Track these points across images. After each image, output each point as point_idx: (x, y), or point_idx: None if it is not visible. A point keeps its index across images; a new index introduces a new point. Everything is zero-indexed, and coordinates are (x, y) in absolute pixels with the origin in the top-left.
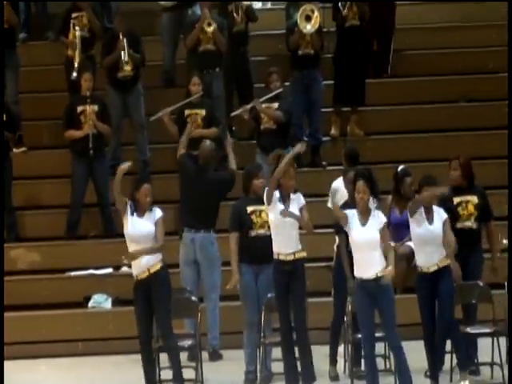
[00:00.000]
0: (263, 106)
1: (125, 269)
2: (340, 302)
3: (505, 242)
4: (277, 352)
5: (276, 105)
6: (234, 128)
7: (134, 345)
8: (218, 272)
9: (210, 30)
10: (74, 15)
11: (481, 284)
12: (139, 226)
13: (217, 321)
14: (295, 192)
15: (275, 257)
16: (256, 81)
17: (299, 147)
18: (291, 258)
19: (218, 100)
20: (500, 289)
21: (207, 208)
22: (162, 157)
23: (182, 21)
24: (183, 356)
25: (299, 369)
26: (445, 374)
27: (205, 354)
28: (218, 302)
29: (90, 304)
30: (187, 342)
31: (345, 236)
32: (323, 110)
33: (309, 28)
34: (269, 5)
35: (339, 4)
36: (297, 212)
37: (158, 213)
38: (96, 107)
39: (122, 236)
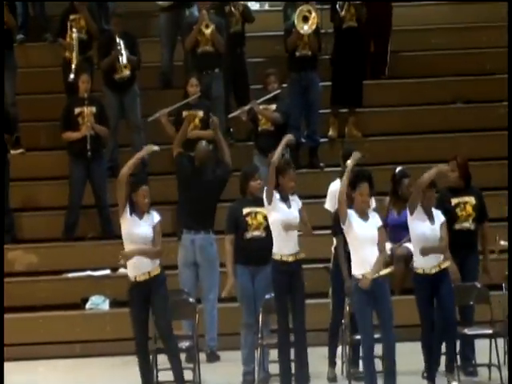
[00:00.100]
0: (261, 107)
1: (122, 270)
2: (338, 303)
3: (502, 243)
4: (274, 353)
5: (274, 106)
6: (231, 129)
7: (131, 346)
8: (217, 273)
9: (207, 31)
10: (71, 17)
11: (478, 285)
12: (139, 227)
13: (214, 322)
14: (292, 193)
15: (276, 257)
16: (254, 82)
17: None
18: (293, 258)
19: (217, 101)
20: (497, 290)
21: (206, 209)
22: (159, 158)
23: (179, 22)
24: (181, 357)
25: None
26: (441, 375)
27: (202, 356)
28: (215, 303)
29: (88, 306)
30: (185, 344)
31: (342, 237)
32: (321, 111)
33: (306, 29)
34: (266, 6)
35: (337, 5)
36: (297, 213)
37: (156, 217)
38: (94, 109)
39: (120, 238)
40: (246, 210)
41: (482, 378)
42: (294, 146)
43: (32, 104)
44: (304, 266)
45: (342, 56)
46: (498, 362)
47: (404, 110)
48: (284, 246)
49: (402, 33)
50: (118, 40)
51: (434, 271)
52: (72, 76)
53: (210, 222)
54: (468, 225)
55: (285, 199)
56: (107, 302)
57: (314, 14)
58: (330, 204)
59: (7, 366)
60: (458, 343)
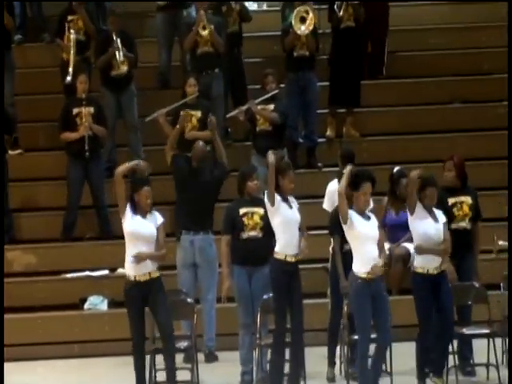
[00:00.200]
0: (259, 107)
1: (121, 270)
2: (337, 303)
3: (500, 243)
4: None
5: (272, 106)
6: (229, 129)
7: (130, 346)
8: (216, 274)
9: (205, 33)
10: (69, 18)
11: (476, 285)
12: (144, 227)
13: (213, 322)
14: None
15: (280, 257)
16: (252, 82)
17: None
18: (294, 259)
19: (216, 101)
20: (496, 289)
21: (203, 210)
22: (157, 158)
23: (176, 22)
24: (179, 357)
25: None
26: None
27: (201, 356)
28: (214, 303)
29: (86, 306)
30: (183, 344)
31: (339, 237)
32: (319, 111)
33: (303, 29)
34: (264, 6)
35: (335, 5)
36: (298, 213)
37: (159, 218)
38: (92, 109)
39: (118, 238)
40: (242, 211)
41: (480, 378)
42: (291, 146)
43: (30, 104)
44: (302, 266)
45: (340, 56)
46: (496, 361)
47: (402, 109)
48: (288, 246)
49: (400, 33)
50: (114, 37)
51: (435, 272)
52: (68, 78)
53: (208, 222)
54: (464, 224)
55: (285, 200)
56: (106, 302)
57: (311, 15)
58: (328, 204)
59: (5, 366)
60: (455, 343)
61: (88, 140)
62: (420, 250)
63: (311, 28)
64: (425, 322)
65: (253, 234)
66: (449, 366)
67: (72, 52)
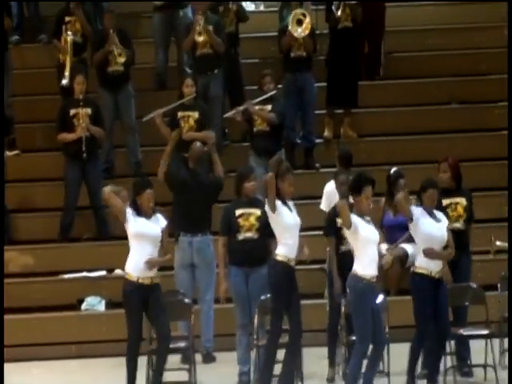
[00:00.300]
0: (256, 107)
1: (118, 271)
2: (336, 304)
3: (498, 243)
4: None
5: (269, 107)
6: (226, 130)
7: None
8: (214, 274)
9: (200, 39)
10: (66, 19)
11: (474, 286)
12: (150, 228)
13: (211, 323)
14: None
15: (283, 259)
16: (249, 83)
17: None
18: (295, 263)
19: (214, 101)
20: (493, 290)
21: (202, 211)
22: (154, 159)
23: (173, 22)
24: (177, 358)
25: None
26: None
27: (198, 356)
28: (212, 303)
29: (83, 306)
30: (181, 344)
31: (335, 239)
32: (316, 112)
33: (299, 32)
34: (262, 7)
35: (332, 6)
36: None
37: (162, 220)
38: (89, 110)
39: (116, 239)
40: (238, 212)
41: (478, 379)
42: (289, 147)
43: (27, 105)
44: (300, 267)
45: (338, 56)
46: (494, 362)
47: (399, 110)
48: (290, 251)
49: (398, 33)
50: (111, 33)
51: (437, 276)
52: (64, 81)
53: (206, 223)
54: (459, 225)
55: (284, 204)
56: (103, 302)
57: (308, 19)
58: (325, 205)
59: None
60: (452, 344)
61: (85, 141)
62: (429, 255)
63: (308, 32)
64: (422, 323)
65: (248, 235)
66: (446, 366)
67: (68, 54)
